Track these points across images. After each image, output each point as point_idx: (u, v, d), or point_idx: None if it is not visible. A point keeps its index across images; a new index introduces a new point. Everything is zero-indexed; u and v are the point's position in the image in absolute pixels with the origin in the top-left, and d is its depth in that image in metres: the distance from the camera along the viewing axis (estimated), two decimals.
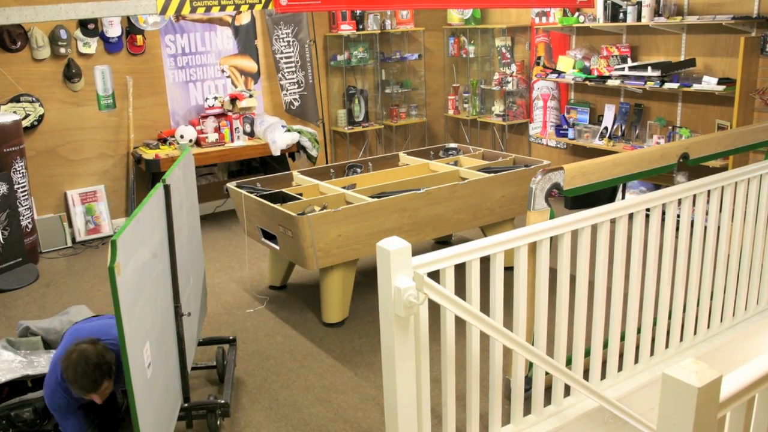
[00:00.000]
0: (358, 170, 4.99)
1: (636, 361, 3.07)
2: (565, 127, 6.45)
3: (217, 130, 6.14)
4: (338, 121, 7.30)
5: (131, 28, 5.88)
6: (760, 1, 4.95)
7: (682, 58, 5.51)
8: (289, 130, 6.22)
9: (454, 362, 2.36)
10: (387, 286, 2.08)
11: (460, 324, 2.31)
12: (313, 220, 3.76)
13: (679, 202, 3.00)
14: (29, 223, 5.37)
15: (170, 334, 2.83)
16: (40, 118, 5.62)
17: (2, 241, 4.97)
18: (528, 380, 2.87)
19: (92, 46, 5.73)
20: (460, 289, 2.26)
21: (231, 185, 4.49)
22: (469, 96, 7.57)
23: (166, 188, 2.81)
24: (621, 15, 5.69)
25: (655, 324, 3.09)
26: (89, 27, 5.69)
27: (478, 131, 7.72)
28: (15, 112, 5.40)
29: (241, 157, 6.12)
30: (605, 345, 2.93)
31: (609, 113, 6.12)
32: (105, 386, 2.58)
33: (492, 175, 4.48)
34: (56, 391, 2.68)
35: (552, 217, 2.74)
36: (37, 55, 5.53)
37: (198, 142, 6.03)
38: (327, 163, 6.92)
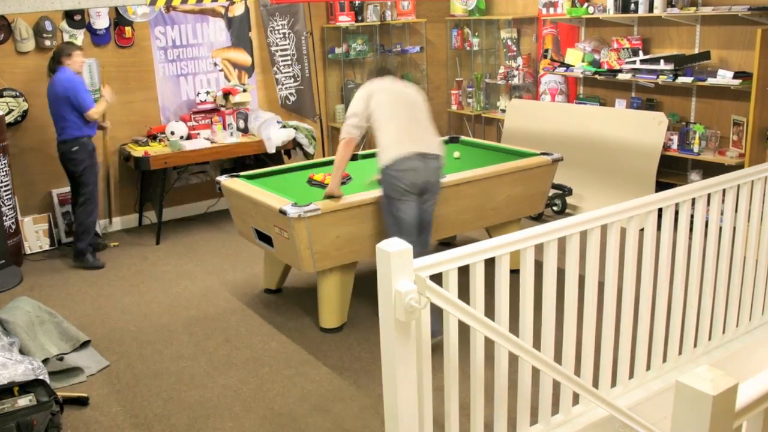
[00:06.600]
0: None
1: (648, 367, 3.02)
2: None
3: (210, 126, 6.00)
4: (336, 116, 7.17)
5: (119, 20, 5.75)
6: None
7: (696, 51, 5.41)
8: (284, 126, 6.11)
9: (458, 369, 2.32)
10: (387, 290, 2.04)
11: (464, 329, 2.25)
12: (311, 220, 3.64)
13: (693, 201, 2.95)
14: (12, 223, 5.23)
15: None
16: (24, 114, 5.49)
17: None
18: None
19: (79, 38, 5.59)
20: (464, 293, 2.20)
21: (222, 178, 4.35)
22: (473, 90, 7.46)
23: None
24: (632, 6, 5.60)
25: (667, 329, 3.03)
26: (75, 18, 5.56)
27: (482, 127, 7.62)
28: None
29: (234, 154, 5.96)
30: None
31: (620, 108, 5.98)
32: None
33: (496, 172, 4.32)
34: None
35: None
36: (21, 47, 5.40)
37: (189, 139, 5.88)
38: None
